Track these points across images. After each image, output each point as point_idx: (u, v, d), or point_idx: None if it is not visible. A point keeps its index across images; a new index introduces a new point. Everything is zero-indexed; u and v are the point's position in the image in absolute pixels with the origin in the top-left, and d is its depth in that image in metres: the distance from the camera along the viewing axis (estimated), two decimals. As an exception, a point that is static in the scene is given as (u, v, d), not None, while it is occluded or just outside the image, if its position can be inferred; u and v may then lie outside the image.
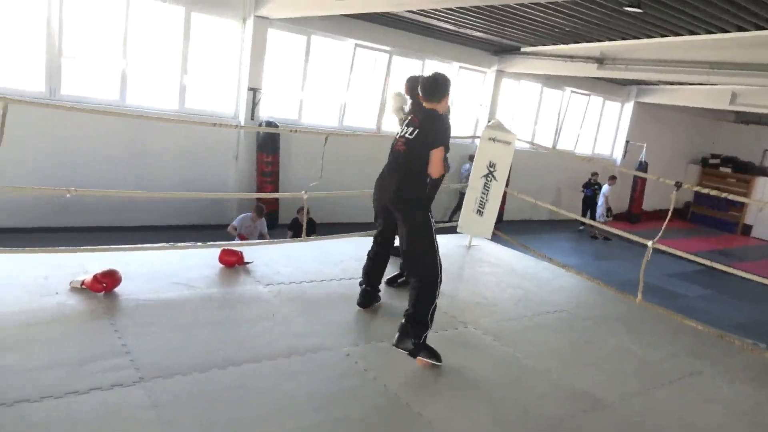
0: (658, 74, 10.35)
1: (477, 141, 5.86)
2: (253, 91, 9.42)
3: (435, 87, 3.48)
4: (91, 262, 3.96)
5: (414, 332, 3.21)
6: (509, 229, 12.49)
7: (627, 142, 15.28)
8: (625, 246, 12.97)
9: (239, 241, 7.56)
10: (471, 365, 3.39)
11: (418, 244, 3.37)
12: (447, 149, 3.44)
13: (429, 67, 11.65)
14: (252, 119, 9.52)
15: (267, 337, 3.36)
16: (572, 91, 14.21)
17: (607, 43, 10.09)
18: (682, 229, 16.04)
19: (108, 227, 8.50)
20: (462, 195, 12.09)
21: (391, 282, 4.40)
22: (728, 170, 16.79)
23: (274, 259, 4.65)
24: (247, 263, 4.45)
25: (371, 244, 3.97)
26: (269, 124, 9.49)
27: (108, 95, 8.47)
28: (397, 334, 3.25)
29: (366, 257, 3.97)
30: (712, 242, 14.66)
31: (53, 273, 3.75)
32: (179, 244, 4.48)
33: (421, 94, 3.54)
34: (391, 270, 4.29)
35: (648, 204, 15.85)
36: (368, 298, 3.96)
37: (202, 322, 3.44)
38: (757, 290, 9.49)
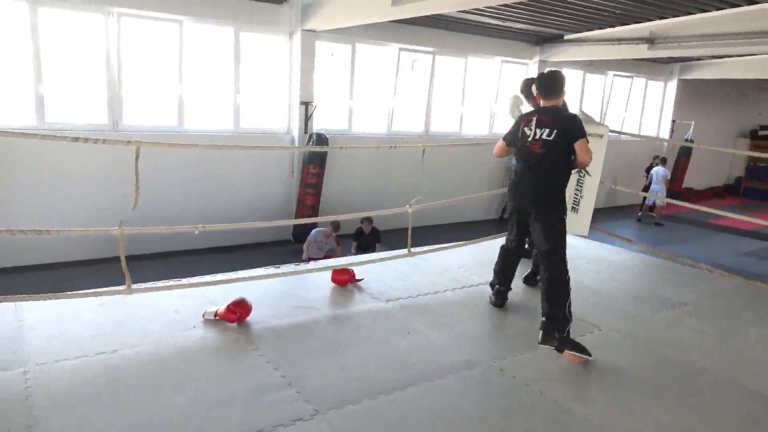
0: (712, 49, 10.05)
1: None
2: (305, 104, 9.40)
3: (554, 84, 3.61)
4: (211, 292, 3.95)
5: (557, 328, 3.30)
6: None
7: (673, 121, 14.93)
8: (685, 228, 12.68)
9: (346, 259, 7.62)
10: (630, 368, 3.26)
11: (554, 242, 3.48)
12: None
13: (472, 63, 11.54)
14: (306, 133, 9.51)
15: (414, 356, 3.28)
16: (614, 75, 13.93)
17: (657, 22, 9.85)
18: (738, 205, 15.60)
19: (180, 251, 8.56)
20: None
21: (528, 280, 4.50)
22: (776, 140, 16.30)
23: (381, 274, 4.58)
24: (359, 280, 4.39)
25: (504, 242, 4.08)
26: (319, 137, 9.44)
27: (167, 122, 8.54)
28: (540, 332, 3.36)
29: (498, 256, 4.07)
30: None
31: (182, 306, 3.73)
32: (287, 269, 4.46)
33: (539, 92, 3.60)
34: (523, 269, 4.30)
35: (694, 182, 15.48)
36: (503, 297, 4.07)
37: (345, 344, 3.38)
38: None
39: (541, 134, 3.50)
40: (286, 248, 9.29)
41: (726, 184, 17.33)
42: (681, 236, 11.76)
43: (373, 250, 8.78)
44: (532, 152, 3.54)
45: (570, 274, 3.44)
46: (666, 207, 13.02)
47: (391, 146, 4.82)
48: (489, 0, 6.95)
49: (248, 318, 3.59)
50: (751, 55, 12.16)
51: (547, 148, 3.51)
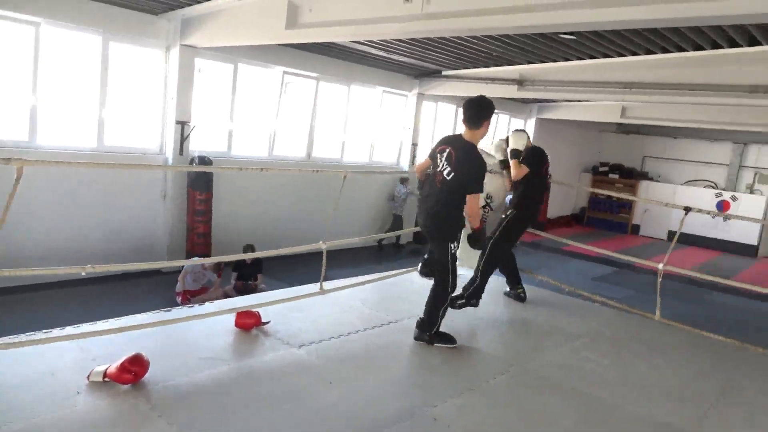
0: (567, 94, 11.11)
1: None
2: (182, 124, 8.72)
3: (477, 112, 3.70)
4: (90, 343, 3.36)
5: (428, 328, 3.90)
6: (411, 250, 12.80)
7: (532, 155, 16.24)
8: (545, 255, 13.76)
9: (248, 301, 7.02)
10: (557, 411, 3.30)
11: (442, 268, 3.86)
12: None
13: (354, 92, 11.59)
14: (180, 154, 8.81)
15: (344, 409, 3.04)
16: (483, 111, 14.85)
17: (526, 66, 10.68)
18: (583, 233, 17.34)
19: (37, 284, 7.36)
20: (396, 217, 12.26)
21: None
22: (616, 176, 18.45)
23: (286, 315, 4.26)
24: (265, 323, 4.03)
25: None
26: (203, 160, 8.84)
27: (16, 136, 7.39)
28: (416, 331, 3.98)
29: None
30: (613, 243, 15.96)
31: (58, 366, 3.12)
32: (183, 313, 3.96)
33: (463, 119, 3.76)
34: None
35: (550, 212, 16.96)
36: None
37: (265, 402, 3.03)
38: (668, 284, 10.45)
39: (443, 170, 3.68)
40: (152, 280, 8.41)
41: (572, 213, 19.21)
42: (542, 263, 12.71)
43: (255, 281, 8.32)
44: (433, 182, 3.79)
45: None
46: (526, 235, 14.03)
47: (313, 170, 4.56)
48: (387, 33, 6.97)
49: (145, 376, 3.09)
50: (593, 101, 13.74)
51: (444, 185, 3.70)
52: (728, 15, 4.53)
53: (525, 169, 4.70)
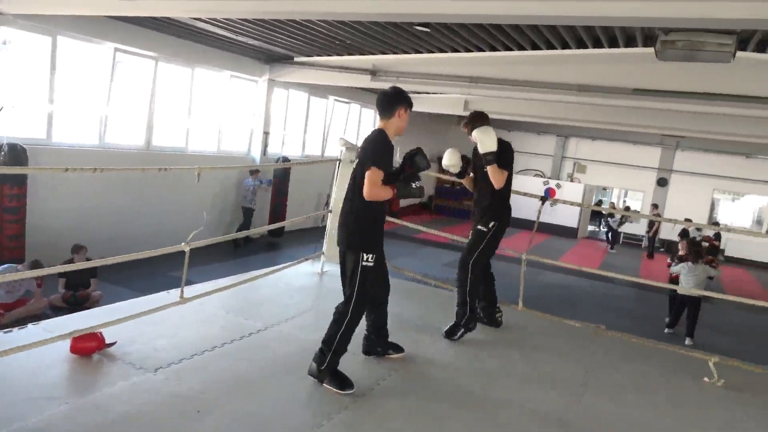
0: (420, 86, 11.36)
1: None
2: (-16, 105, 7.27)
3: (384, 100, 3.41)
4: None
5: (320, 359, 3.25)
6: (293, 239, 12.40)
7: (383, 146, 16.50)
8: (399, 243, 14.06)
9: (87, 319, 5.92)
10: (448, 412, 3.19)
11: (349, 280, 3.34)
12: (388, 171, 3.28)
13: (198, 75, 10.68)
14: (-17, 140, 7.36)
15: (221, 446, 2.61)
16: (335, 100, 14.67)
17: (379, 56, 10.68)
18: (433, 220, 18.08)
19: None
20: (246, 211, 11.58)
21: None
22: (458, 166, 19.50)
23: (135, 332, 3.65)
24: (110, 345, 3.40)
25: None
26: (13, 148, 7.46)
27: None
28: (312, 364, 3.31)
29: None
30: (461, 229, 16.86)
31: None
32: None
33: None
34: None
35: (401, 201, 17.44)
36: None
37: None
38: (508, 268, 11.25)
39: (354, 163, 3.44)
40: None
41: (421, 202, 19.96)
42: (397, 251, 12.95)
43: (87, 287, 7.29)
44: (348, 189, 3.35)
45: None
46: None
47: (160, 168, 3.88)
48: (231, 11, 6.39)
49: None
50: (441, 93, 14.29)
51: (352, 185, 3.31)
52: (560, 15, 4.86)
53: (506, 173, 4.16)
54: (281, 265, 5.28)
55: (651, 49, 7.08)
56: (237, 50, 10.90)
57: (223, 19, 8.45)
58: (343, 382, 3.22)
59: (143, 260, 3.70)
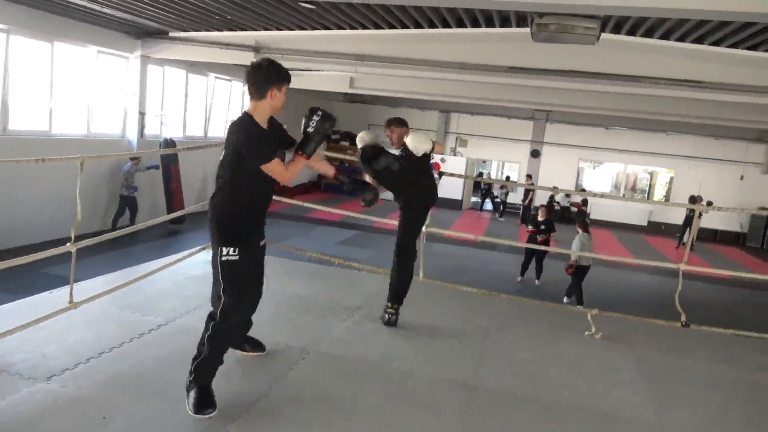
0: (308, 63, 11.20)
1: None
2: None
3: (255, 77, 2.85)
4: None
5: (191, 369, 2.87)
6: (196, 224, 11.79)
7: (268, 124, 16.10)
8: (292, 224, 13.91)
9: None
10: (363, 391, 3.27)
11: (213, 278, 3.07)
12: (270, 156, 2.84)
13: (59, 50, 9.69)
14: None
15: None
16: (216, 77, 14.02)
17: (262, 33, 10.35)
18: (325, 199, 18.05)
19: None
20: (123, 198, 10.79)
21: None
22: (347, 143, 19.56)
23: (18, 339, 3.32)
24: (-10, 357, 3.08)
25: None
26: None
27: None
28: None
29: None
30: (351, 206, 16.98)
31: None
32: None
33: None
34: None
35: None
36: None
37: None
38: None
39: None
40: None
41: (311, 180, 19.83)
42: (290, 232, 12.82)
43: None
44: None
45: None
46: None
47: (36, 159, 3.49)
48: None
49: None
50: (326, 71, 14.19)
51: (221, 165, 2.94)
52: None
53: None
54: (179, 254, 5.05)
55: (525, 30, 7.57)
56: (103, 23, 10.01)
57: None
58: (202, 402, 2.79)
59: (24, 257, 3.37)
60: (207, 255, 5.51)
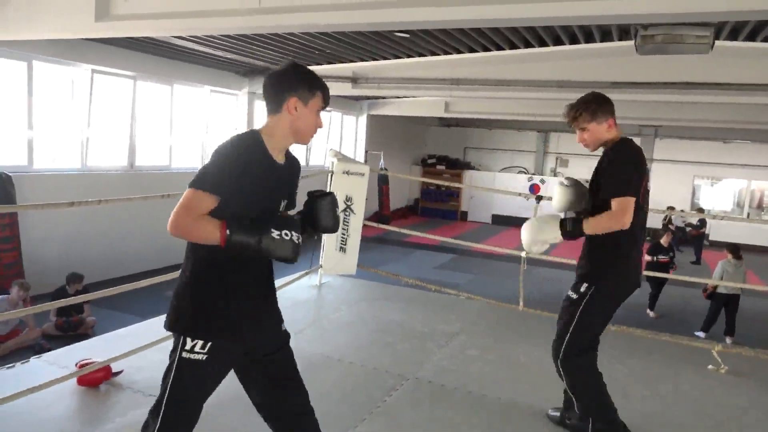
0: (404, 91, 11.41)
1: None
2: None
3: (269, 87, 2.03)
4: None
5: None
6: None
7: (366, 151, 16.50)
8: (391, 248, 14.05)
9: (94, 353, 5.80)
10: (463, 421, 3.20)
11: (163, 379, 1.99)
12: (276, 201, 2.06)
13: (178, 92, 10.60)
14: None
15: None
16: (316, 109, 14.65)
17: (360, 64, 10.69)
18: (420, 223, 18.12)
19: None
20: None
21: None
22: (443, 167, 19.58)
23: (141, 359, 3.59)
24: (116, 374, 3.36)
25: None
26: (-3, 176, 7.33)
27: None
28: None
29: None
30: (448, 230, 16.93)
31: None
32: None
33: None
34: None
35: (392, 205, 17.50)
36: None
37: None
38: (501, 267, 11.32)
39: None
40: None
41: (408, 205, 20.00)
42: (387, 257, 12.96)
43: (81, 312, 7.19)
44: None
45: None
46: (367, 229, 14.19)
47: (162, 195, 3.84)
48: (220, 28, 6.35)
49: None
50: (421, 97, 14.36)
51: None
52: (540, 17, 4.92)
53: (625, 205, 2.60)
54: (285, 278, 5.27)
55: (627, 43, 7.21)
56: (216, 65, 10.84)
57: (204, 35, 8.41)
58: None
59: (141, 276, 3.66)
60: (310, 280, 5.71)
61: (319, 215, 2.05)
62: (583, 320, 2.79)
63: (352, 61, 10.65)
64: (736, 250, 7.86)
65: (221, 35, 8.47)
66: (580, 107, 2.79)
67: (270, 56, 10.33)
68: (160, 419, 1.92)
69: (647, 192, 2.76)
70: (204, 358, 1.90)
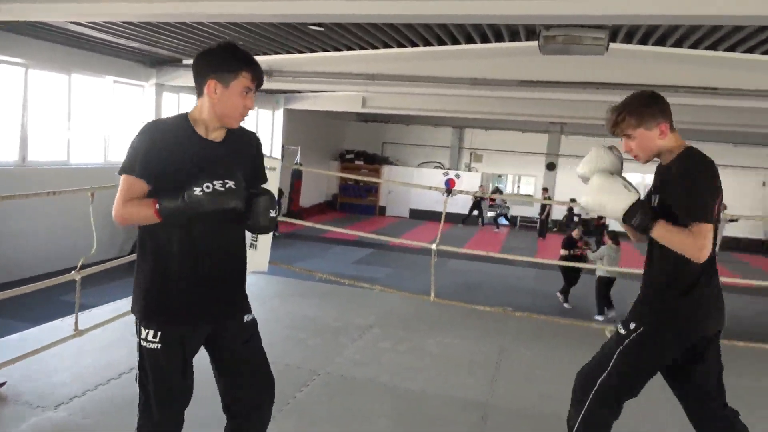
0: (319, 85, 11.31)
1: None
2: None
3: (193, 70, 1.99)
4: None
5: None
6: None
7: (283, 146, 16.22)
8: (307, 244, 13.92)
9: None
10: (375, 412, 3.21)
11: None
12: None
13: (77, 82, 9.91)
14: None
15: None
16: (230, 102, 14.21)
17: (274, 57, 10.48)
18: (339, 218, 18.08)
19: None
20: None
21: None
22: (361, 162, 19.63)
23: (28, 368, 3.32)
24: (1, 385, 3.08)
25: None
26: None
27: None
28: None
29: None
30: (366, 225, 17.00)
31: None
32: None
33: None
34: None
35: (302, 201, 17.28)
36: None
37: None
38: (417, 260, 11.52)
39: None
40: None
41: (326, 200, 19.89)
42: (306, 252, 12.83)
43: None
44: None
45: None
46: (283, 225, 13.94)
47: (48, 193, 3.55)
48: (119, 14, 5.99)
49: None
50: (338, 91, 14.31)
51: None
52: (448, 14, 5.05)
53: (704, 231, 2.01)
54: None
55: (533, 43, 7.53)
56: (119, 54, 10.24)
57: (103, 22, 7.91)
58: None
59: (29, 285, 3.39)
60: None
61: (251, 215, 1.95)
62: (620, 364, 2.19)
63: (266, 54, 10.41)
64: (615, 237, 8.47)
65: (123, 22, 8.00)
66: (623, 109, 2.22)
67: (177, 46, 9.89)
68: (140, 406, 1.99)
69: (720, 215, 2.11)
70: (158, 347, 1.91)
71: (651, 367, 2.21)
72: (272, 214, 1.97)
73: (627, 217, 2.11)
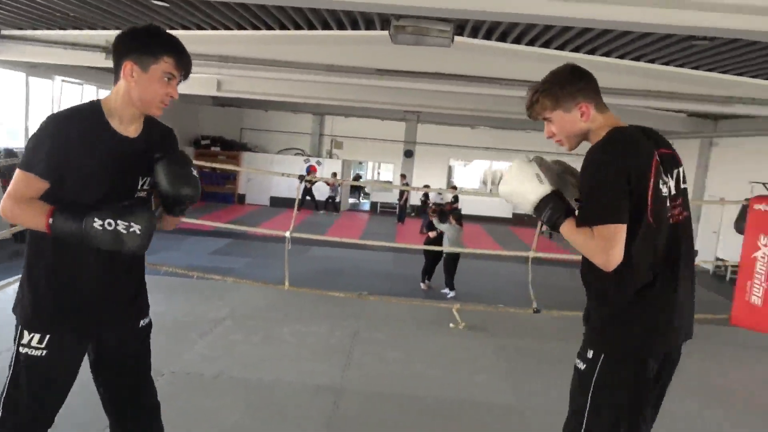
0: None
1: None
2: None
3: (112, 52, 1.82)
4: None
5: None
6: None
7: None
8: (159, 235, 13.04)
9: None
10: (225, 407, 3.09)
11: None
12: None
13: None
14: None
15: None
16: (63, 80, 12.81)
17: (115, 32, 9.59)
18: (195, 207, 17.13)
19: None
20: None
21: None
22: (218, 149, 18.80)
23: None
24: None
25: None
26: None
27: None
28: None
29: None
30: (224, 214, 16.36)
31: None
32: None
33: None
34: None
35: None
36: None
37: None
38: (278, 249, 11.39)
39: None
40: None
41: (180, 189, 18.79)
42: (157, 245, 11.99)
43: None
44: None
45: None
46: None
47: None
48: None
49: None
50: (192, 73, 13.51)
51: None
52: None
53: (616, 233, 1.66)
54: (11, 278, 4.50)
55: (387, 33, 7.71)
56: None
57: None
58: None
59: None
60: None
61: (159, 185, 1.78)
62: (597, 406, 1.74)
63: (105, 29, 9.51)
64: (459, 217, 9.13)
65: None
66: (536, 90, 1.87)
67: (3, 18, 8.68)
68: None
69: (672, 197, 1.74)
70: (43, 354, 1.71)
71: (637, 397, 1.72)
72: (183, 174, 1.82)
73: (536, 211, 1.82)
